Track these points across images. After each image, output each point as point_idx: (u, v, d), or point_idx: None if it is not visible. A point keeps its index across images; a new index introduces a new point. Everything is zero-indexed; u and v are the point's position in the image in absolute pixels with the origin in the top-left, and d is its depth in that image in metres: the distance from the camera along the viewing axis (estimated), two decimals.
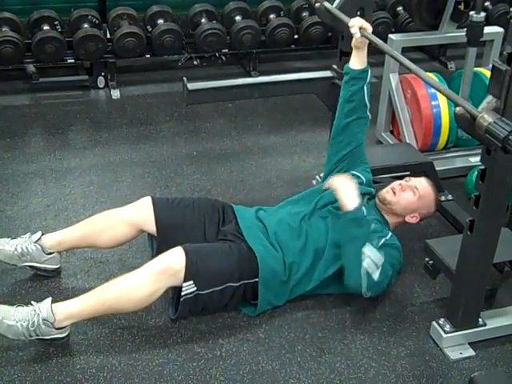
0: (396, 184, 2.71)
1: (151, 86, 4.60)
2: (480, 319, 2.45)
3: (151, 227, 2.60)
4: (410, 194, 2.67)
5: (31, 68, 4.22)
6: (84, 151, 3.72)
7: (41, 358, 2.31)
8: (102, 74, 4.43)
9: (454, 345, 2.44)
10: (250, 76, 4.62)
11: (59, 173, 3.48)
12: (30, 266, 2.64)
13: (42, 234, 2.65)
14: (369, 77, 2.73)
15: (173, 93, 4.38)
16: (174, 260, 2.34)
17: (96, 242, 2.64)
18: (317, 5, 2.97)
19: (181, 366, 2.32)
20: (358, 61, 2.70)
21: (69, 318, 2.31)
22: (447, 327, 2.43)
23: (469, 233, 2.25)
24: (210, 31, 4.47)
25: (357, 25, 2.61)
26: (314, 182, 3.32)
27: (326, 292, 2.63)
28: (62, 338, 2.34)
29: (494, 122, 1.88)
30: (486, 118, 1.91)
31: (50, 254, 2.64)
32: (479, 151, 2.22)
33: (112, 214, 2.65)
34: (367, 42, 2.63)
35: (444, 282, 2.63)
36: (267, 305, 2.53)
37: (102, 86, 4.45)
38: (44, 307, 2.28)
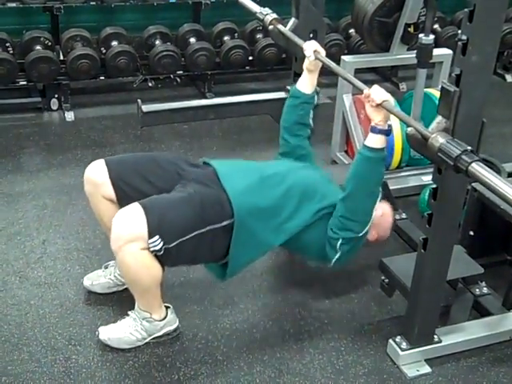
0: None
1: (106, 107, 4.56)
2: (435, 336, 2.48)
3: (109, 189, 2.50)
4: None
5: None
6: (37, 174, 3.66)
7: None
8: (56, 96, 4.38)
9: (411, 362, 2.46)
10: (205, 97, 4.63)
11: (11, 196, 3.41)
12: None
13: None
14: (316, 99, 2.76)
15: (128, 115, 4.35)
16: (134, 223, 2.23)
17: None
18: (270, 27, 3.01)
19: None
20: (309, 84, 2.71)
21: (151, 309, 2.43)
22: (403, 345, 2.46)
23: (422, 251, 2.28)
24: (165, 53, 4.47)
25: (310, 48, 2.64)
26: None
27: (304, 243, 2.53)
28: (174, 329, 2.51)
29: (447, 142, 1.93)
30: (438, 138, 1.95)
31: None
32: (431, 170, 2.26)
33: (90, 199, 2.60)
34: (320, 64, 2.66)
35: (400, 300, 2.66)
36: (239, 262, 2.43)
37: (55, 108, 4.40)
38: (138, 310, 2.43)
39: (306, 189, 2.49)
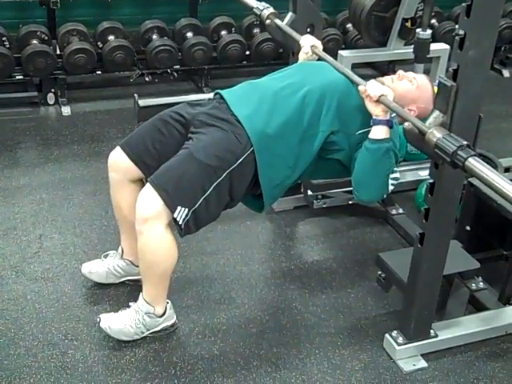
0: (393, 76, 2.54)
1: (102, 102, 4.55)
2: (432, 331, 2.48)
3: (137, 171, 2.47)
4: (408, 83, 2.48)
5: None
6: (34, 169, 3.65)
7: None
8: (52, 90, 4.37)
9: (407, 357, 2.47)
10: (202, 92, 4.62)
11: (8, 191, 3.41)
12: (128, 281, 2.74)
13: (122, 250, 2.70)
14: None
15: (124, 109, 4.35)
16: (151, 203, 2.23)
17: (129, 218, 2.49)
18: (267, 22, 3.01)
19: None
20: None
21: (156, 301, 2.42)
22: (400, 339, 2.46)
23: (419, 245, 2.29)
24: (162, 47, 4.47)
25: (308, 43, 2.64)
26: None
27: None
28: (172, 325, 2.51)
29: (443, 138, 1.93)
30: (435, 133, 1.96)
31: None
32: (428, 165, 2.26)
33: (113, 186, 2.56)
34: (317, 58, 2.65)
35: (396, 295, 2.66)
36: (271, 187, 2.36)
37: (51, 102, 4.39)
38: (142, 302, 2.42)
39: (324, 91, 2.38)
